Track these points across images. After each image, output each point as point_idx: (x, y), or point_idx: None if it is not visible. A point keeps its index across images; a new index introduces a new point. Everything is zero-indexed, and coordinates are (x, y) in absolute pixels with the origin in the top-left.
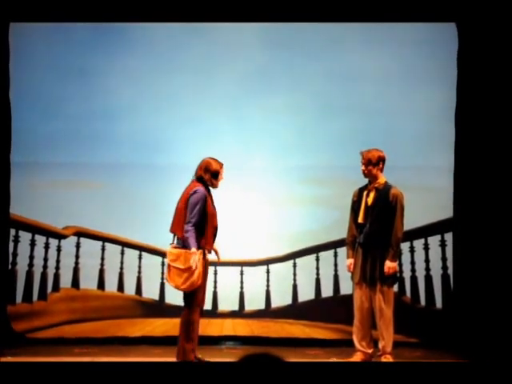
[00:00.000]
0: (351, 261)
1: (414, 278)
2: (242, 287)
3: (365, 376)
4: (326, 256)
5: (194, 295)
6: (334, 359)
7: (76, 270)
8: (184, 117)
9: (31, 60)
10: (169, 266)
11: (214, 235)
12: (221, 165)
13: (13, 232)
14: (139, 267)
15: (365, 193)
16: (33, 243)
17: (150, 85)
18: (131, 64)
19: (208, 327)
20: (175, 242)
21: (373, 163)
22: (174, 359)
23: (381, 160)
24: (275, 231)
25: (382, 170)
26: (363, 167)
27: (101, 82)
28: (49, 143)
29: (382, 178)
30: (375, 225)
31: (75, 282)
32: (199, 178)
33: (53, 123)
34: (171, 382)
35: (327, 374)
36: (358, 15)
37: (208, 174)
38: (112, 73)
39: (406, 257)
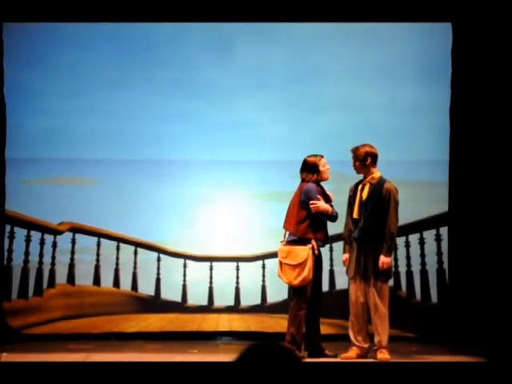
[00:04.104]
0: (347, 256)
1: (409, 273)
2: (237, 282)
3: (362, 375)
4: (322, 251)
5: (304, 290)
6: (327, 352)
7: (71, 266)
8: (176, 112)
9: (25, 57)
10: (280, 262)
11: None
12: (318, 157)
13: (8, 228)
14: (135, 263)
15: (359, 187)
16: (28, 239)
17: (142, 80)
18: (123, 59)
19: (204, 323)
20: (286, 238)
21: (360, 159)
22: (169, 355)
23: (368, 155)
24: (271, 226)
25: (373, 165)
26: (352, 163)
27: (93, 78)
28: (44, 140)
29: (377, 173)
30: (369, 220)
31: (71, 278)
32: (303, 180)
33: (47, 120)
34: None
35: (325, 373)
36: (353, 15)
37: (305, 172)
38: (104, 68)
39: (401, 251)
